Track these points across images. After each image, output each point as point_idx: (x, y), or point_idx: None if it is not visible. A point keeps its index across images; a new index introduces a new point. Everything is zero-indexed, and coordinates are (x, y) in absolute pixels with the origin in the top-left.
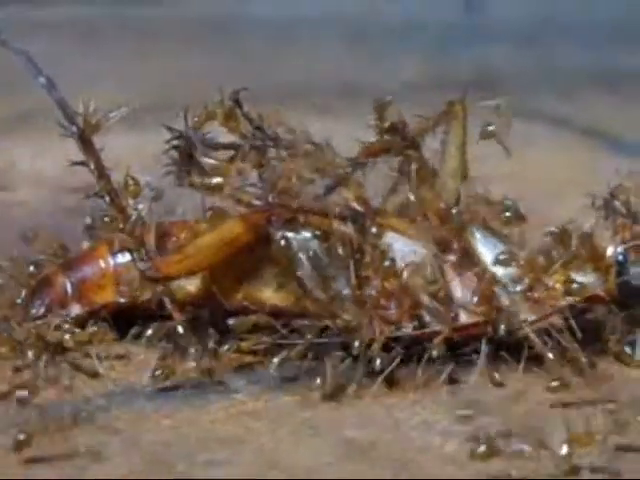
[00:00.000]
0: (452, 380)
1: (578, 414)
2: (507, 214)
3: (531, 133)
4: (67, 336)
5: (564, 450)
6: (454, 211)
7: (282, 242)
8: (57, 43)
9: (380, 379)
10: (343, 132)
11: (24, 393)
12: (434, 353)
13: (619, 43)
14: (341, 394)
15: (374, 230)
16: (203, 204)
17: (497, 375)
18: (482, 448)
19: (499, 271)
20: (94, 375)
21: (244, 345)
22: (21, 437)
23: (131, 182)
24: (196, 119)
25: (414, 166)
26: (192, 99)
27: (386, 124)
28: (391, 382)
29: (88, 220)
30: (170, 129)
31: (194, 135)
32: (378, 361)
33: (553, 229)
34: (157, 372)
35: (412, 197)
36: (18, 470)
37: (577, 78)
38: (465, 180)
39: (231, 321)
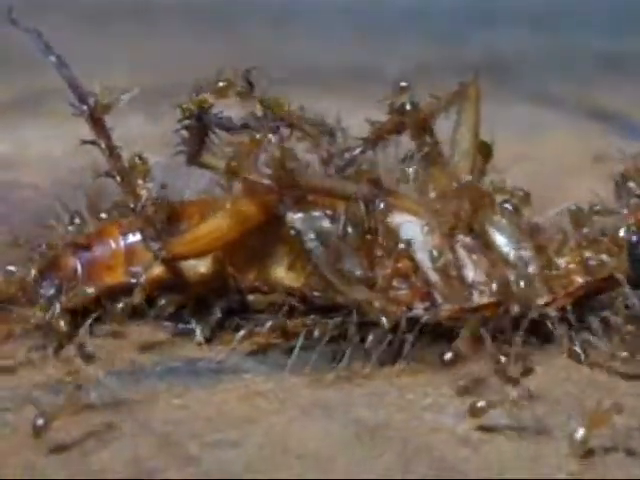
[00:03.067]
0: (465, 361)
1: (589, 394)
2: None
3: (542, 116)
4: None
5: (580, 433)
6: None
7: (293, 222)
8: (66, 24)
9: (392, 359)
10: (351, 114)
11: (41, 422)
12: (424, 318)
13: (631, 26)
14: (352, 374)
15: (386, 210)
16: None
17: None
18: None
19: (512, 252)
20: (111, 340)
21: (258, 330)
22: (40, 422)
23: (139, 161)
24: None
25: (426, 147)
26: (201, 80)
27: (398, 104)
28: (403, 363)
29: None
30: (182, 108)
31: (205, 115)
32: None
33: (567, 209)
34: None
35: (424, 178)
36: (26, 450)
37: (590, 61)
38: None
39: (250, 297)
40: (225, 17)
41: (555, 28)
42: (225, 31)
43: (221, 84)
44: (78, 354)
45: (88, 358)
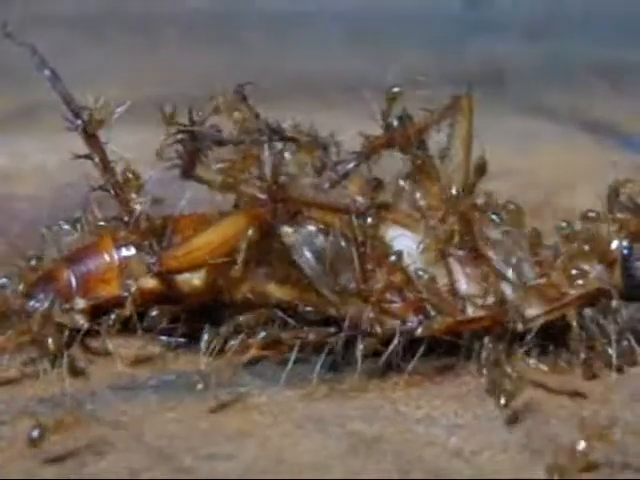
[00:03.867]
0: (457, 374)
1: (583, 405)
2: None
3: (536, 128)
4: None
5: (582, 445)
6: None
7: (286, 236)
8: (61, 38)
9: (385, 372)
10: (346, 126)
11: (36, 433)
12: (418, 332)
13: (625, 37)
14: (345, 388)
15: (378, 223)
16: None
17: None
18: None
19: (505, 265)
20: (105, 354)
21: (251, 342)
22: (35, 434)
23: (132, 176)
24: (201, 113)
25: (419, 160)
26: (196, 93)
27: (391, 118)
28: (395, 376)
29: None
30: (175, 123)
31: (199, 129)
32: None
33: (559, 223)
34: None
35: (417, 191)
36: (21, 463)
37: (583, 72)
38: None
39: (241, 318)
40: (224, 29)
41: (550, 39)
42: (224, 43)
43: (215, 99)
44: (68, 369)
45: (77, 373)
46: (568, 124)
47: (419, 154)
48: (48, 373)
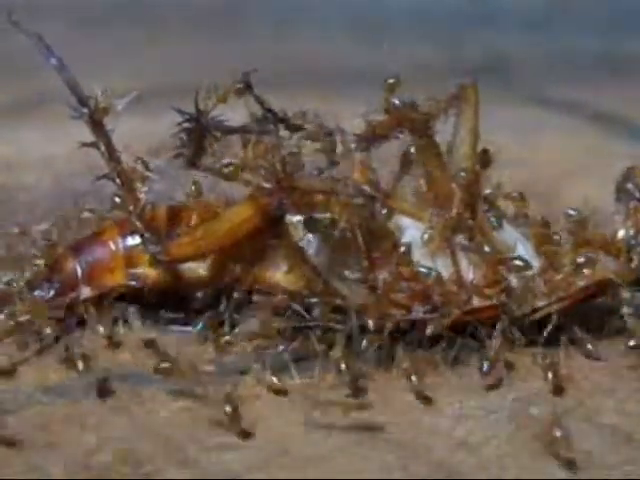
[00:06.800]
0: (463, 364)
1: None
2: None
3: (542, 118)
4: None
5: None
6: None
7: (292, 225)
8: (65, 27)
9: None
10: (350, 116)
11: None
12: (428, 331)
13: (630, 27)
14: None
15: (385, 213)
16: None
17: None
18: None
19: (511, 254)
20: (112, 343)
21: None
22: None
23: (139, 165)
24: (207, 102)
25: (424, 146)
26: (200, 83)
27: (395, 102)
28: (401, 365)
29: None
30: (180, 112)
31: (205, 118)
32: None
33: (565, 213)
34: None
35: (422, 179)
36: (27, 454)
37: (588, 63)
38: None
39: (255, 297)
40: (226, 20)
41: (553, 30)
42: (226, 34)
43: (220, 87)
44: (67, 357)
45: (71, 362)
46: (571, 114)
47: (424, 140)
48: (53, 362)
